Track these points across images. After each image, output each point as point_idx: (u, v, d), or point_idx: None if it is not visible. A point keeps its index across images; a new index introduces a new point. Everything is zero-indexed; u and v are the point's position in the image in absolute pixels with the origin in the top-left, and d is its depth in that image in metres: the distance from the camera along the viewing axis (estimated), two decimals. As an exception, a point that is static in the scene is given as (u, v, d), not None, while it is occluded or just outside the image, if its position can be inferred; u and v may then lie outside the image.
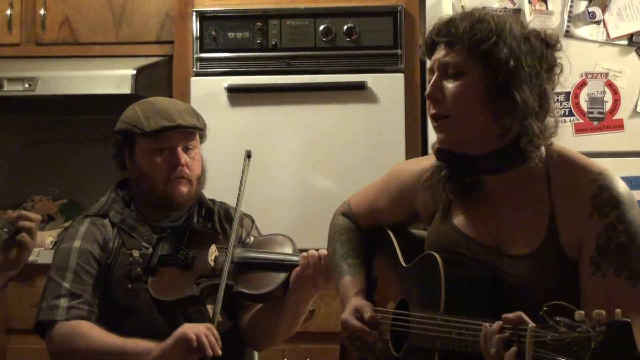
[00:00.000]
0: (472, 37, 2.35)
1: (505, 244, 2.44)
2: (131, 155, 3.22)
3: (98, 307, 3.08)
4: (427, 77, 2.50)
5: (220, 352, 2.82)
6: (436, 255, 2.45)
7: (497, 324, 2.10)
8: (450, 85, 2.39)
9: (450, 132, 2.44)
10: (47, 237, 3.69)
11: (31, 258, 3.95)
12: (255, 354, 3.42)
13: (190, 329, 2.82)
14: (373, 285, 2.83)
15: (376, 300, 2.77)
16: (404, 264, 2.67)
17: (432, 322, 2.38)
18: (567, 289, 2.20)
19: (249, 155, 3.15)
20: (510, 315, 2.08)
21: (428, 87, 2.46)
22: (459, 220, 2.54)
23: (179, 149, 3.15)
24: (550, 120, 2.38)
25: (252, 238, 3.29)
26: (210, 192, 3.32)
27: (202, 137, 3.29)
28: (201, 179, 3.27)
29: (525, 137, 2.34)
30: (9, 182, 5.16)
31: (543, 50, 2.37)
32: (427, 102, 2.47)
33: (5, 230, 3.02)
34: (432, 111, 2.45)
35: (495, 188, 2.46)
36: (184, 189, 3.17)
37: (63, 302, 3.03)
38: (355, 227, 2.93)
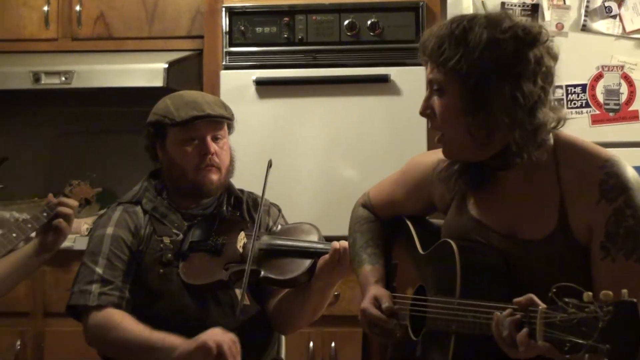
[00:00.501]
0: (439, 56, 2.35)
1: (519, 230, 2.45)
2: (163, 146, 3.23)
3: (131, 292, 3.09)
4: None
5: None
6: (451, 242, 2.47)
7: (508, 310, 2.12)
8: (437, 102, 2.40)
9: (447, 147, 2.48)
10: (83, 224, 3.73)
11: (67, 244, 4.04)
12: (282, 337, 3.42)
13: (213, 339, 2.80)
14: (392, 273, 2.85)
15: (395, 287, 2.79)
16: (421, 252, 2.69)
17: (449, 306, 2.40)
18: (578, 273, 2.20)
19: (270, 165, 3.16)
20: (521, 299, 2.10)
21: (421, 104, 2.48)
22: (473, 209, 2.56)
23: (208, 138, 3.17)
24: (545, 115, 2.36)
25: (279, 226, 3.30)
26: (238, 181, 3.33)
27: (230, 128, 3.30)
28: (230, 168, 3.28)
29: (514, 143, 2.33)
30: (46, 170, 5.23)
31: (516, 51, 2.32)
32: None
33: (44, 215, 3.07)
34: (429, 127, 2.49)
35: (506, 179, 2.47)
36: (214, 177, 3.19)
37: (95, 287, 3.05)
38: (374, 217, 2.94)
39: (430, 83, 2.42)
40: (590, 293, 1.90)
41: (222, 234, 3.14)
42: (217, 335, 2.82)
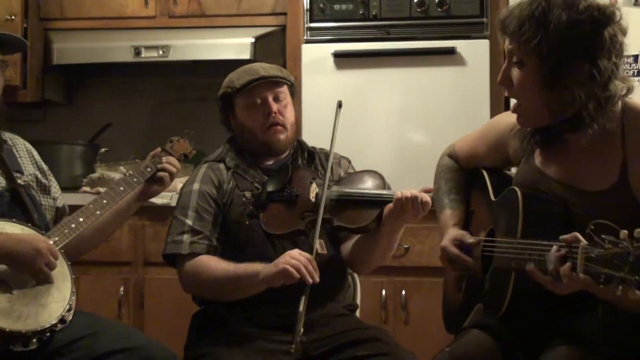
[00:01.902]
0: (521, 36, 2.37)
1: (580, 182, 2.47)
2: (234, 115, 3.29)
3: (219, 241, 3.14)
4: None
5: (318, 280, 2.85)
6: (517, 189, 2.51)
7: (555, 247, 2.15)
8: (515, 73, 2.43)
9: (522, 116, 2.52)
10: (178, 182, 3.79)
11: (165, 201, 4.13)
12: (358, 283, 3.45)
13: (290, 262, 2.85)
14: (469, 218, 2.91)
15: (471, 231, 2.84)
16: (493, 198, 2.73)
17: (510, 246, 2.44)
18: (629, 223, 2.15)
19: (340, 105, 3.18)
20: (567, 236, 2.15)
21: (500, 73, 2.50)
22: (539, 161, 2.59)
23: (270, 99, 3.21)
24: (616, 86, 2.36)
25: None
26: (318, 144, 3.39)
27: (292, 91, 3.33)
28: (296, 126, 3.31)
29: (586, 113, 2.35)
30: (145, 135, 5.28)
31: (593, 31, 2.33)
32: None
33: (148, 170, 3.13)
34: (506, 94, 2.54)
35: (573, 140, 2.49)
36: (281, 136, 3.23)
37: (186, 237, 3.11)
38: (458, 167, 2.99)
39: (509, 54, 2.45)
40: (626, 231, 1.95)
41: (295, 185, 3.15)
42: (294, 258, 2.86)
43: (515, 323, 2.56)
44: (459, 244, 2.76)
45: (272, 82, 3.23)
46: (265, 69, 3.25)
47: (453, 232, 2.81)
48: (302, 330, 2.77)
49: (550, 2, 2.36)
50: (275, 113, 3.21)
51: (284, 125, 3.24)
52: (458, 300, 2.91)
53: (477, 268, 2.72)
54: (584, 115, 2.36)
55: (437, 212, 2.96)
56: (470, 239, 2.75)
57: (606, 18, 2.35)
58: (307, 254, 2.89)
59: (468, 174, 2.97)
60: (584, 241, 2.10)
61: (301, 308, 2.78)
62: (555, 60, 2.33)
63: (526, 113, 2.50)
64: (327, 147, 3.22)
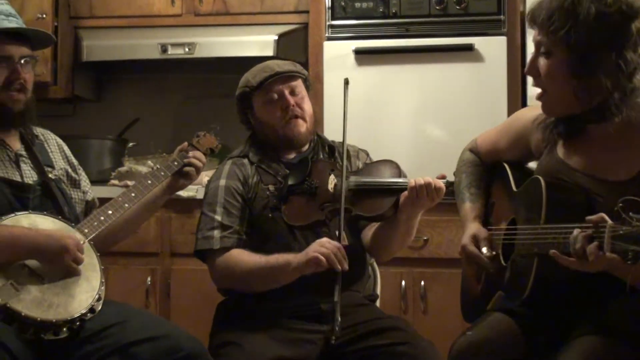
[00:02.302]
0: (550, 26, 2.38)
1: (602, 172, 2.47)
2: (253, 114, 3.30)
3: (246, 234, 3.16)
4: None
5: (347, 267, 2.88)
6: (540, 178, 2.51)
7: (581, 227, 2.16)
8: (542, 63, 2.44)
9: (547, 104, 2.53)
10: (204, 176, 3.80)
11: (191, 194, 4.14)
12: (378, 274, 3.47)
13: (320, 250, 2.89)
14: (490, 210, 2.91)
15: (492, 222, 2.84)
16: (514, 189, 2.73)
17: (533, 231, 2.44)
18: None
19: (346, 82, 3.20)
20: (593, 217, 2.15)
21: (527, 63, 2.51)
22: (562, 152, 2.59)
23: (286, 93, 3.22)
24: None
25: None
26: (340, 139, 3.37)
27: (307, 85, 3.34)
28: (314, 118, 3.32)
29: (612, 103, 2.36)
30: (171, 130, 5.29)
31: (621, 23, 2.34)
32: None
33: (175, 164, 3.14)
34: (533, 84, 2.53)
35: (596, 131, 2.49)
36: (301, 128, 3.24)
37: (216, 233, 3.12)
38: (479, 161, 3.00)
39: (537, 45, 2.46)
40: None
41: (315, 177, 3.17)
42: (323, 247, 2.89)
43: (537, 309, 2.56)
44: (477, 243, 2.77)
45: (287, 77, 3.25)
46: (279, 65, 3.27)
47: (473, 229, 2.82)
48: (339, 318, 2.80)
49: None
50: (293, 106, 3.22)
51: (303, 117, 3.25)
52: (477, 290, 2.91)
53: (493, 267, 2.72)
54: (610, 104, 2.38)
55: (458, 205, 2.97)
56: (484, 247, 2.74)
57: (634, 12, 2.37)
58: (335, 242, 2.91)
59: (489, 168, 2.98)
60: (610, 222, 2.10)
61: (336, 297, 2.82)
62: (583, 50, 2.35)
63: (552, 101, 2.51)
64: (348, 140, 3.21)
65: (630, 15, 2.36)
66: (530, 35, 2.61)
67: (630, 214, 2.01)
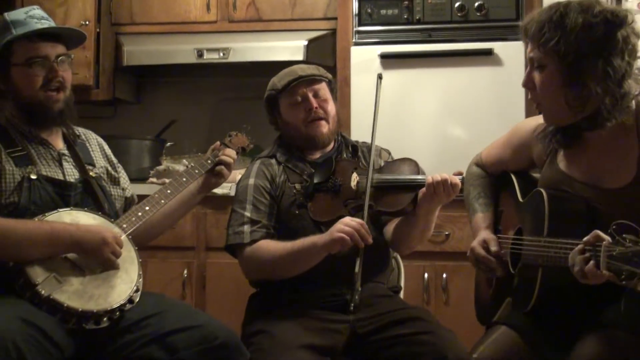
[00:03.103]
0: (540, 38, 2.40)
1: (601, 180, 2.47)
2: (279, 115, 3.32)
3: (274, 229, 3.16)
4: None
5: (371, 241, 2.89)
6: (542, 190, 2.52)
7: (579, 247, 2.14)
8: (537, 76, 2.45)
9: (546, 115, 2.53)
10: (237, 174, 3.80)
11: (224, 191, 4.15)
12: (402, 266, 3.47)
13: (343, 229, 2.88)
14: (498, 218, 2.91)
15: (501, 230, 2.85)
16: (520, 200, 2.74)
17: (538, 244, 2.45)
18: None
19: (380, 77, 3.21)
20: (588, 237, 2.15)
21: (524, 77, 2.53)
22: (562, 163, 2.59)
23: (310, 96, 3.23)
24: (629, 85, 2.37)
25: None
26: (367, 139, 3.37)
27: (331, 87, 3.35)
28: (337, 118, 3.33)
29: (604, 108, 2.36)
30: (206, 131, 5.30)
31: (607, 32, 2.34)
32: None
33: (209, 162, 3.16)
34: (530, 97, 2.55)
35: (592, 138, 2.48)
36: (323, 129, 3.25)
37: (246, 228, 3.12)
38: (485, 174, 3.00)
39: (531, 60, 2.47)
40: None
41: (339, 176, 3.17)
42: (347, 225, 2.88)
43: (542, 318, 2.55)
44: (487, 247, 2.77)
45: (311, 80, 3.26)
46: (303, 69, 3.28)
47: (484, 235, 2.82)
48: (360, 289, 2.85)
49: (568, 7, 2.40)
50: (316, 108, 3.23)
51: (326, 119, 3.26)
52: (489, 295, 2.92)
53: (500, 270, 2.73)
54: (602, 110, 2.37)
55: (469, 215, 2.98)
56: (494, 247, 2.75)
57: (619, 20, 2.37)
58: (358, 219, 2.92)
59: (497, 178, 2.98)
60: (606, 239, 2.10)
61: (357, 269, 2.85)
62: (572, 58, 2.35)
63: (549, 110, 2.52)
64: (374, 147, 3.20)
65: (616, 24, 2.36)
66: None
67: (624, 235, 2.01)
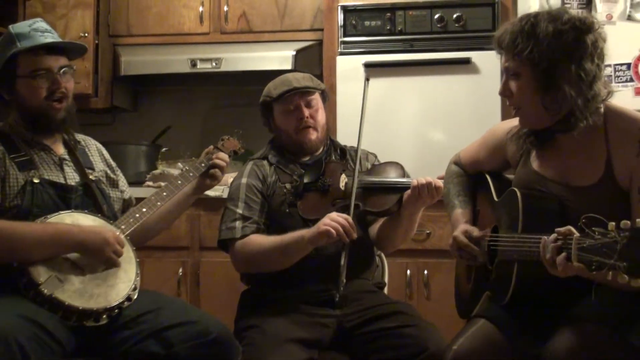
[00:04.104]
0: (514, 48, 2.40)
1: (571, 179, 2.48)
2: (273, 119, 3.31)
3: (265, 225, 3.16)
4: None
5: (355, 236, 2.88)
6: (517, 190, 2.53)
7: (553, 236, 2.17)
8: (513, 84, 2.46)
9: (523, 119, 2.54)
10: (229, 177, 3.79)
11: (217, 193, 4.13)
12: (386, 263, 3.47)
13: (329, 224, 2.87)
14: (475, 217, 2.92)
15: (478, 228, 2.83)
16: (496, 199, 2.74)
17: (513, 239, 2.46)
18: (620, 214, 2.17)
19: (367, 78, 3.21)
20: (562, 228, 2.15)
21: (500, 86, 2.53)
22: (535, 163, 2.60)
23: (302, 105, 3.22)
24: (599, 87, 2.39)
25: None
26: (350, 142, 3.36)
27: (324, 97, 3.34)
28: (326, 127, 3.32)
29: (577, 109, 2.37)
30: (200, 137, 5.27)
31: (576, 38, 2.36)
32: None
33: (202, 165, 3.15)
34: (508, 104, 2.54)
35: (563, 139, 2.50)
36: (312, 136, 3.25)
37: (238, 224, 3.12)
38: (464, 173, 3.01)
39: (506, 70, 2.49)
40: (613, 223, 1.96)
41: (327, 176, 3.18)
42: (333, 220, 2.88)
43: (519, 311, 2.54)
44: (469, 236, 2.77)
45: (304, 92, 3.24)
46: (297, 79, 3.26)
47: (464, 226, 2.82)
48: (344, 281, 2.85)
49: (537, 17, 2.42)
50: (307, 117, 3.22)
51: (315, 127, 3.26)
52: (468, 290, 2.92)
53: (483, 257, 2.72)
54: (575, 111, 2.38)
55: (449, 211, 2.98)
56: (476, 233, 2.76)
57: (587, 26, 2.39)
58: (344, 215, 2.92)
59: (473, 178, 2.99)
60: (577, 234, 2.11)
61: (342, 262, 2.85)
62: (546, 65, 2.37)
63: (526, 115, 2.52)
64: (361, 146, 3.21)
65: (584, 29, 2.39)
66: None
67: (593, 228, 2.02)
